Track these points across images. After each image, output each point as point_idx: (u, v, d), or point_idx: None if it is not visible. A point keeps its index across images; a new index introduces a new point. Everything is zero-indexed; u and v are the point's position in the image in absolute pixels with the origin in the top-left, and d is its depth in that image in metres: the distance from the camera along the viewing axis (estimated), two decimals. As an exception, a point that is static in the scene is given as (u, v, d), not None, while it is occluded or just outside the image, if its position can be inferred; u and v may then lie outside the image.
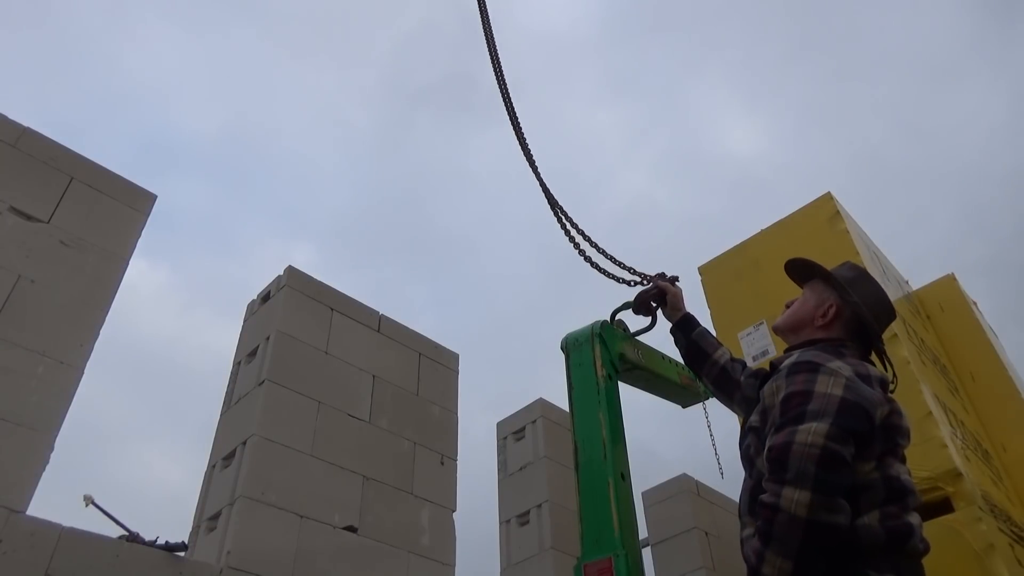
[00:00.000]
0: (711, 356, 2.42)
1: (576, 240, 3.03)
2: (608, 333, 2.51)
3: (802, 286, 2.22)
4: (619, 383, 2.52)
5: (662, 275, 2.69)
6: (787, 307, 2.19)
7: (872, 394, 1.74)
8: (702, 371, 2.46)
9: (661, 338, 2.75)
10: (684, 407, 2.88)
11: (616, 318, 2.73)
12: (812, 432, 1.58)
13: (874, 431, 1.69)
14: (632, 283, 2.80)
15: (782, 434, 1.63)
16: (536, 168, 3.32)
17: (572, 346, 2.48)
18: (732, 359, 2.42)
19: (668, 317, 2.62)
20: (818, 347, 1.93)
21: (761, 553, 1.56)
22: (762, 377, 2.04)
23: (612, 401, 2.37)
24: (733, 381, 2.34)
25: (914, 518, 1.71)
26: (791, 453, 1.57)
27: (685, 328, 2.52)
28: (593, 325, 2.53)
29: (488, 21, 3.62)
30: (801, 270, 2.23)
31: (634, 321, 2.86)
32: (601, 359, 2.42)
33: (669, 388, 2.72)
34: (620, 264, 2.89)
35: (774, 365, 1.98)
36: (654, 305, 2.69)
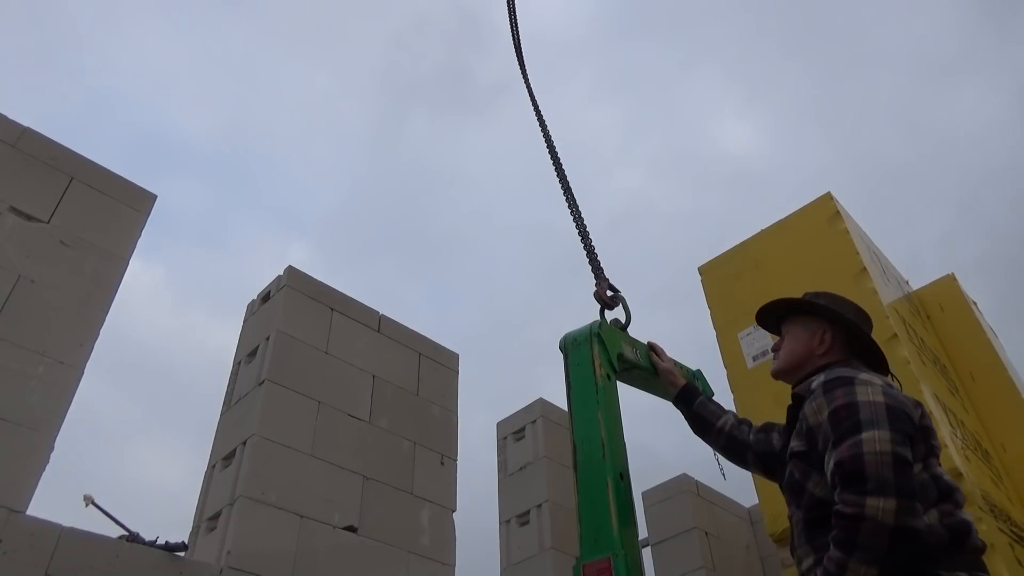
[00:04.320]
0: (715, 425, 2.41)
1: (583, 225, 3.08)
2: (607, 333, 2.51)
3: (779, 328, 2.24)
4: (617, 383, 2.52)
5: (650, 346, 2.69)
6: (775, 351, 2.20)
7: (907, 398, 1.81)
8: (709, 440, 2.45)
9: (648, 334, 2.76)
10: None
11: (611, 319, 2.73)
12: (877, 440, 1.61)
13: (916, 433, 1.73)
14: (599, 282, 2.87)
15: (845, 446, 1.64)
16: (552, 143, 3.43)
17: (571, 346, 2.47)
18: (738, 422, 2.42)
19: (666, 394, 2.62)
20: (834, 367, 1.97)
21: (843, 563, 1.57)
22: (792, 409, 2.02)
23: (611, 401, 2.36)
24: (742, 443, 2.35)
25: (967, 515, 1.73)
26: (865, 463, 1.59)
27: (686, 400, 2.52)
28: (592, 325, 2.52)
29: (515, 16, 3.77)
30: (772, 313, 2.23)
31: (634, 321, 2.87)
32: (600, 359, 2.41)
33: (666, 387, 2.72)
34: (597, 266, 2.95)
35: (797, 396, 1.98)
36: (610, 294, 2.76)
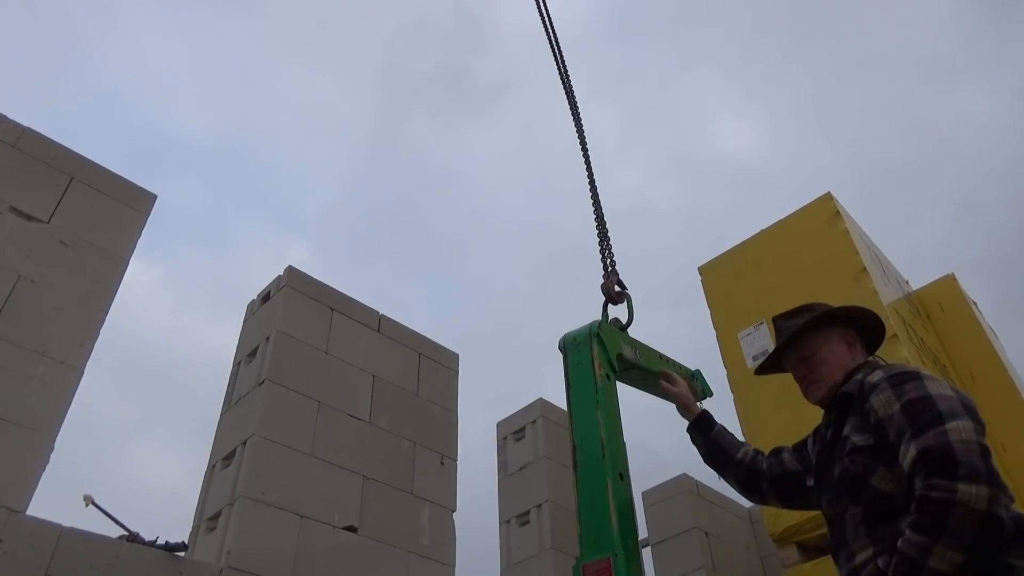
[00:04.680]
0: (735, 457, 2.38)
1: (601, 216, 3.09)
2: (606, 333, 2.51)
3: (779, 364, 2.24)
4: (617, 383, 2.51)
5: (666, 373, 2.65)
6: (805, 379, 2.13)
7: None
8: (726, 472, 2.40)
9: (648, 334, 2.76)
10: None
11: (610, 317, 2.73)
12: (962, 429, 1.63)
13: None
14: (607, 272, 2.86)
15: (930, 435, 1.65)
16: (581, 127, 3.46)
17: (570, 346, 2.47)
18: (756, 454, 2.39)
19: (682, 415, 2.57)
20: (873, 364, 2.01)
21: (928, 547, 1.56)
22: (838, 407, 1.99)
23: (610, 401, 2.36)
24: (758, 473, 2.33)
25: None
26: (955, 450, 1.60)
27: (703, 428, 2.47)
28: (591, 324, 2.52)
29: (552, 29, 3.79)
30: (791, 342, 2.18)
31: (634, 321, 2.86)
32: (599, 359, 2.40)
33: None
34: (609, 260, 2.93)
35: (847, 395, 1.96)
36: (618, 290, 2.75)
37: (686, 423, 2.55)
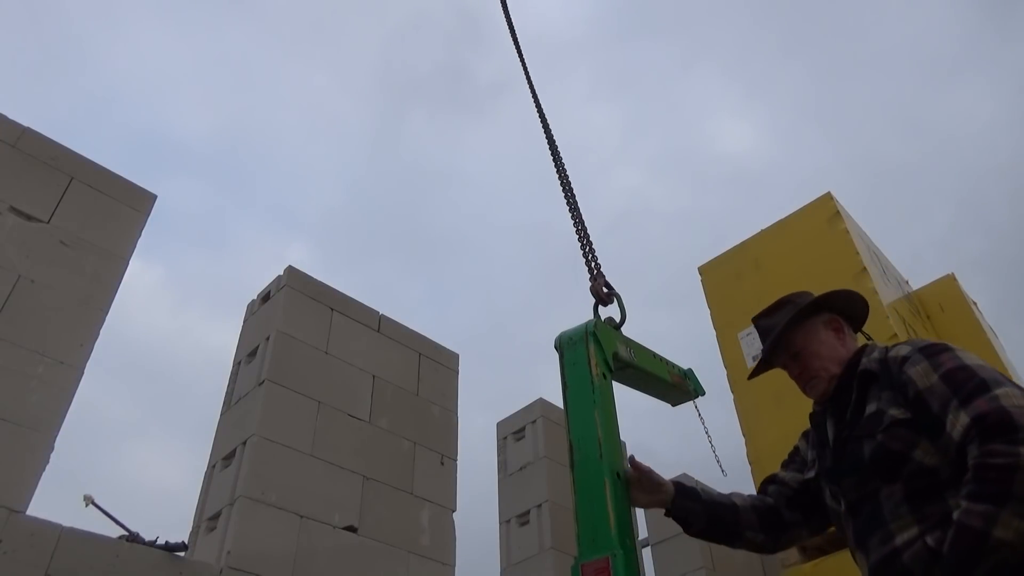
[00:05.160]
0: (738, 506, 2.14)
1: (579, 219, 3.05)
2: (602, 331, 2.50)
3: (768, 363, 2.15)
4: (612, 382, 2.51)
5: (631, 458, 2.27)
6: (800, 376, 2.04)
7: None
8: (738, 529, 2.13)
9: (648, 334, 2.76)
10: (674, 405, 2.87)
11: (605, 317, 2.73)
12: (1012, 395, 1.57)
13: None
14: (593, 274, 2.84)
15: (982, 400, 1.58)
16: (552, 138, 3.41)
17: (566, 345, 2.46)
18: (751, 496, 2.19)
19: (651, 503, 2.21)
20: (871, 345, 1.99)
21: (994, 515, 1.46)
22: (859, 386, 1.89)
23: (607, 400, 2.35)
24: (771, 508, 2.14)
25: None
26: (1012, 414, 1.53)
27: (690, 495, 2.16)
28: (587, 323, 2.52)
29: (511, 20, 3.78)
30: (777, 342, 2.09)
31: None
32: (596, 358, 2.40)
33: (659, 386, 2.71)
34: (594, 263, 2.91)
35: (868, 373, 1.88)
36: (606, 291, 2.74)
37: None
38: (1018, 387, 1.60)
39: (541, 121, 3.57)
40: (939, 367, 1.71)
